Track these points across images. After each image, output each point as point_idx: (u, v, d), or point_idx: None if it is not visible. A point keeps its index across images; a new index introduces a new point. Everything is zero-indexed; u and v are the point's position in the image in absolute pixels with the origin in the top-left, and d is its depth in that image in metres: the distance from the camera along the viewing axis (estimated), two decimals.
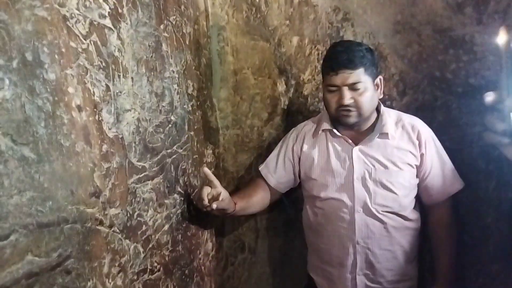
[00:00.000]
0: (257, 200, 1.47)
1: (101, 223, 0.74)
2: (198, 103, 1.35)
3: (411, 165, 1.30)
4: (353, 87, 1.21)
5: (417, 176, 1.32)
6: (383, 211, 1.30)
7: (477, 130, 1.39)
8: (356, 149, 1.31)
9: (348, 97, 1.21)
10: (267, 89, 1.63)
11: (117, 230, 0.79)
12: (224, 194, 1.20)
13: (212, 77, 1.55)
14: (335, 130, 1.34)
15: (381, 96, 1.30)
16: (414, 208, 1.36)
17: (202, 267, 1.36)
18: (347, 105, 1.22)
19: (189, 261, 1.22)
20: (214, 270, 1.52)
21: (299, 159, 1.43)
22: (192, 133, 1.29)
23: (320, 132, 1.38)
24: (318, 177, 1.37)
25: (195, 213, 1.31)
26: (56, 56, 0.66)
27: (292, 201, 1.77)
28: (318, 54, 1.54)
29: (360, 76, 1.20)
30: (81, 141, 0.71)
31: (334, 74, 1.21)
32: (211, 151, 1.51)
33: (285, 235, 1.83)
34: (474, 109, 1.39)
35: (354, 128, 1.31)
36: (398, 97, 1.52)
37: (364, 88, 1.22)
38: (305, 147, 1.41)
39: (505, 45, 0.67)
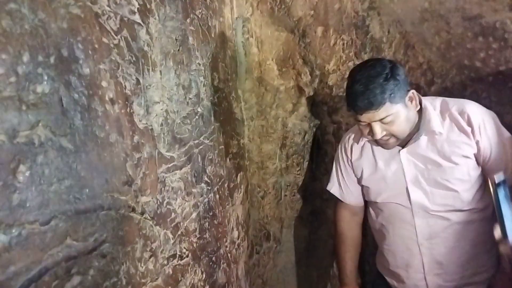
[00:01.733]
0: (358, 239, 1.52)
1: (133, 210, 0.77)
2: (223, 95, 1.38)
3: (467, 157, 1.20)
4: (382, 121, 1.15)
5: (478, 164, 1.22)
6: (445, 210, 1.24)
7: (508, 119, 1.34)
8: (403, 152, 1.25)
9: (379, 132, 1.16)
10: (291, 80, 1.64)
11: (148, 217, 0.83)
12: None
13: (237, 69, 1.57)
14: None
15: (418, 108, 1.21)
16: (483, 196, 1.26)
17: (229, 255, 1.40)
18: (379, 139, 1.17)
19: (216, 248, 1.26)
20: (240, 257, 1.56)
21: (352, 167, 1.41)
22: (218, 124, 1.32)
23: (364, 140, 1.34)
24: (370, 185, 1.35)
25: (222, 202, 1.35)
26: (90, 52, 0.69)
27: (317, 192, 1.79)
28: (343, 44, 1.53)
29: (387, 110, 1.12)
30: (114, 133, 0.74)
31: (359, 114, 1.15)
32: (236, 142, 1.54)
33: (310, 225, 1.85)
34: (504, 98, 1.35)
35: None
36: (426, 86, 1.49)
37: (395, 117, 1.14)
38: (354, 157, 1.38)
39: None
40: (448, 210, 1.23)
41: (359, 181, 1.41)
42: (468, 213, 1.23)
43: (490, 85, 1.39)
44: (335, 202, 1.57)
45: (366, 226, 1.62)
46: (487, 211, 1.28)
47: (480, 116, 1.20)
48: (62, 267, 0.59)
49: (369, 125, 1.16)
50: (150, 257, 0.83)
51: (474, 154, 1.21)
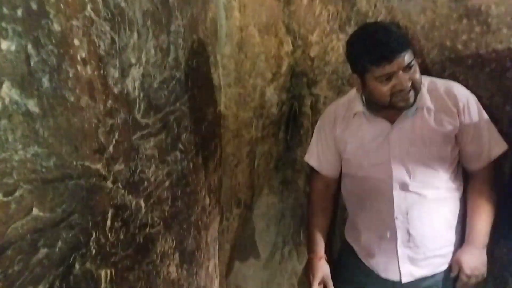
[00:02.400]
0: (330, 210, 1.56)
1: (105, 179, 0.74)
2: (202, 59, 1.32)
3: (450, 137, 1.25)
4: (408, 68, 1.15)
5: (457, 145, 1.27)
6: (423, 187, 1.28)
7: (482, 103, 1.37)
8: (392, 128, 1.27)
9: (406, 80, 1.14)
10: (272, 48, 1.59)
11: (120, 186, 0.80)
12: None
13: (217, 33, 1.50)
14: (369, 112, 1.29)
15: None
16: (457, 176, 1.32)
17: (199, 222, 1.40)
18: (404, 88, 1.16)
19: (187, 216, 1.25)
20: (210, 224, 1.56)
21: (335, 140, 1.41)
22: (195, 90, 1.27)
23: (353, 114, 1.33)
24: (352, 158, 1.36)
25: (195, 170, 1.32)
26: (62, 6, 0.62)
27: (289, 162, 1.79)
28: (329, 15, 1.49)
29: (411, 54, 1.14)
30: (85, 96, 0.69)
31: (387, 63, 1.13)
32: (212, 109, 1.50)
33: (280, 194, 1.87)
34: (481, 82, 1.37)
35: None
36: None
37: (416, 65, 1.16)
38: (338, 130, 1.37)
39: None
40: (426, 187, 1.27)
41: (340, 154, 1.41)
42: (444, 191, 1.29)
43: (468, 68, 1.40)
44: (310, 173, 1.59)
45: (336, 198, 1.66)
46: (459, 190, 1.34)
47: (465, 98, 1.24)
48: (27, 241, 0.56)
49: (394, 77, 1.14)
50: (121, 227, 0.81)
51: (456, 135, 1.25)
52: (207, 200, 1.50)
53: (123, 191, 0.81)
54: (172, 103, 1.07)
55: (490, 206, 1.33)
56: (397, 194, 1.30)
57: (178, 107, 1.12)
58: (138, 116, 0.87)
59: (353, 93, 1.37)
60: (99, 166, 0.72)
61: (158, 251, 1.00)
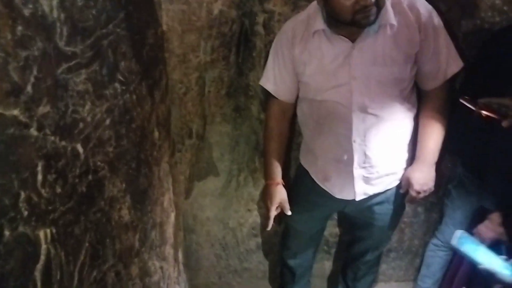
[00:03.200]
0: (287, 135, 1.53)
1: (26, 126, 0.60)
2: None
3: (411, 56, 1.21)
4: None
5: (415, 62, 1.24)
6: (381, 108, 1.25)
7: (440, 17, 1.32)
8: (353, 47, 1.19)
9: None
10: None
11: (49, 132, 0.66)
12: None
13: None
14: (330, 30, 1.19)
15: None
16: (411, 97, 1.32)
17: (150, 158, 1.29)
18: (368, 4, 1.06)
19: (136, 154, 1.14)
20: (161, 158, 1.47)
21: (294, 62, 1.31)
22: (130, 8, 1.08)
23: (312, 33, 1.22)
24: (311, 81, 1.28)
25: (139, 103, 1.18)
26: None
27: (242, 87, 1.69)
28: None
29: None
30: None
31: None
32: (153, 31, 1.31)
33: (233, 121, 1.79)
34: None
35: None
36: None
37: None
38: (296, 51, 1.27)
39: None
40: (384, 108, 1.25)
41: (299, 76, 1.33)
42: (400, 112, 1.29)
43: None
44: (265, 98, 1.51)
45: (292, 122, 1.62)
46: (413, 111, 1.34)
47: (428, 13, 1.20)
48: None
49: None
50: (57, 179, 0.69)
51: (416, 53, 1.22)
52: (156, 134, 1.39)
53: (53, 137, 0.68)
54: (103, 25, 0.89)
55: (441, 125, 1.36)
56: (356, 116, 1.27)
57: (112, 29, 0.94)
58: (61, 44, 0.71)
59: (312, 8, 1.25)
60: (16, 112, 0.57)
61: (105, 197, 0.90)
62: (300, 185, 1.61)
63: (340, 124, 1.31)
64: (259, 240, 2.02)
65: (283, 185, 1.52)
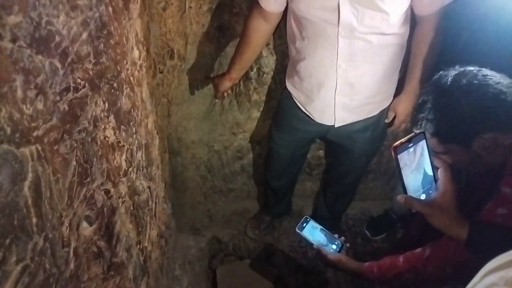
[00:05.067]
0: (262, 47, 1.53)
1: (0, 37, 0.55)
2: None
3: None
4: None
5: None
6: (370, 32, 1.20)
7: None
8: None
9: None
10: None
11: (24, 45, 0.61)
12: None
13: None
14: None
15: None
16: (404, 22, 1.26)
17: (131, 78, 1.24)
18: None
19: (117, 73, 1.09)
20: (143, 79, 1.42)
21: None
22: None
23: None
24: None
25: (116, 16, 1.10)
26: None
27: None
28: None
29: None
30: None
31: None
32: None
33: (217, 41, 1.72)
34: None
35: None
36: None
37: None
38: None
39: None
40: (373, 32, 1.21)
41: None
42: (389, 37, 1.24)
43: None
44: (249, 7, 1.44)
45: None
46: (404, 37, 1.30)
47: None
48: None
49: None
50: (37, 95, 0.65)
51: None
52: (136, 53, 1.31)
53: (29, 51, 0.63)
54: None
55: (432, 54, 1.33)
56: (343, 40, 1.23)
57: None
58: None
59: None
60: None
61: (89, 116, 0.88)
62: (284, 109, 1.61)
63: (325, 46, 1.27)
64: (244, 162, 2.07)
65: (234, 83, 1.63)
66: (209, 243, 1.98)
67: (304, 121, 1.54)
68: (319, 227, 1.24)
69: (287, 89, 1.55)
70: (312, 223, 1.25)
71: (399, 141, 0.81)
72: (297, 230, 1.23)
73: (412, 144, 0.83)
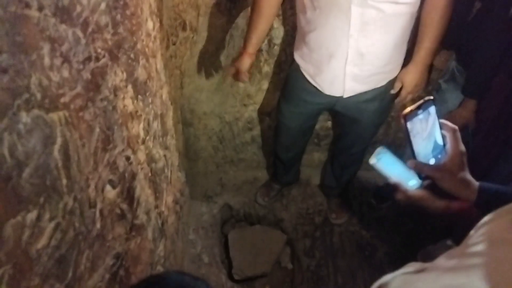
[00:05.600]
0: (274, 16, 1.53)
1: (27, 6, 0.58)
2: None
3: None
4: None
5: None
6: (383, 1, 1.20)
7: None
8: None
9: None
10: None
11: (49, 14, 0.64)
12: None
13: None
14: None
15: None
16: None
17: (146, 49, 1.26)
18: None
19: (133, 44, 1.11)
20: (157, 50, 1.44)
21: None
22: None
23: None
24: None
25: None
26: None
27: None
28: None
29: None
30: None
31: None
32: None
33: (228, 13, 1.72)
34: None
35: None
36: None
37: None
38: None
39: None
40: (385, 1, 1.21)
41: None
42: (402, 6, 1.24)
43: None
44: None
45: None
46: (416, 6, 1.29)
47: None
48: None
49: None
50: (63, 63, 0.69)
51: None
52: (150, 24, 1.33)
53: (54, 19, 0.66)
54: None
55: (441, 25, 1.32)
56: (356, 8, 1.23)
57: None
58: None
59: None
60: None
61: (109, 85, 0.91)
62: (292, 82, 1.62)
63: (338, 16, 1.27)
64: (254, 133, 2.11)
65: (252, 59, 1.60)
66: (221, 210, 2.05)
67: (312, 93, 1.55)
68: (396, 159, 1.05)
69: (295, 61, 1.56)
70: (388, 154, 1.05)
71: (409, 108, 0.83)
72: (370, 162, 1.06)
73: (421, 110, 0.84)
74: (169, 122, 1.58)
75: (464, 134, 1.58)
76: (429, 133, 0.89)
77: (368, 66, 1.38)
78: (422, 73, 1.39)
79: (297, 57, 1.55)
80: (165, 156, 1.43)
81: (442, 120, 0.87)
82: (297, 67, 1.55)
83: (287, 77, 1.69)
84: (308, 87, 1.54)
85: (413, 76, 1.40)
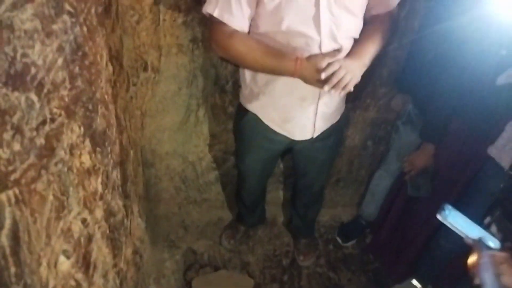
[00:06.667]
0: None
1: None
2: None
3: None
4: None
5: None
6: (347, 38, 1.23)
7: None
8: None
9: None
10: None
11: (0, 84, 0.58)
12: None
13: None
14: None
15: None
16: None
17: (106, 96, 1.20)
18: None
19: (92, 94, 1.05)
20: (117, 94, 1.37)
21: None
22: None
23: None
24: (276, 9, 1.15)
25: (91, 36, 1.06)
26: None
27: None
28: None
29: None
30: None
31: None
32: None
33: (191, 53, 1.69)
34: None
35: None
36: None
37: None
38: None
39: None
40: (349, 37, 1.24)
41: (258, 3, 1.18)
42: (354, 42, 1.28)
43: None
44: (211, 25, 1.24)
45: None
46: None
47: None
48: None
49: None
50: (14, 135, 0.62)
51: None
52: (110, 69, 1.27)
53: (4, 89, 0.59)
54: None
55: (380, 39, 1.31)
56: (326, 49, 1.22)
57: None
58: None
59: None
60: None
61: (65, 145, 0.84)
62: (249, 133, 1.55)
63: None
64: (219, 172, 2.06)
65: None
66: (184, 255, 1.96)
67: (275, 140, 1.51)
68: (464, 217, 1.03)
69: (250, 112, 1.47)
70: (454, 211, 1.04)
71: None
72: (438, 217, 1.03)
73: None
74: (129, 168, 1.50)
75: (423, 177, 1.63)
76: None
77: (334, 101, 1.39)
78: (359, 66, 1.25)
79: (253, 108, 1.45)
80: (124, 206, 1.35)
81: None
82: (253, 118, 1.47)
83: (241, 130, 1.56)
84: (271, 136, 1.48)
85: (351, 62, 1.23)
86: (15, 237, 0.61)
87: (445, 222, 1.03)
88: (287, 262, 2.01)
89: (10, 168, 0.60)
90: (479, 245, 0.96)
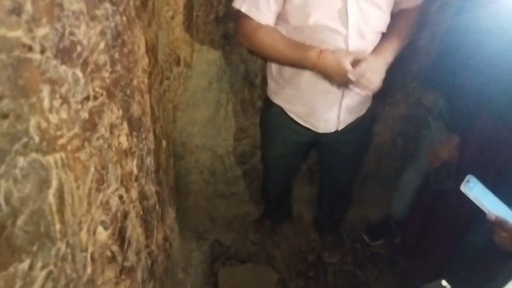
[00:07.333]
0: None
1: (30, 49, 0.57)
2: None
3: None
4: None
5: None
6: (374, 32, 1.24)
7: None
8: None
9: None
10: None
11: (51, 55, 0.64)
12: None
13: None
14: None
15: None
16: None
17: (142, 85, 1.26)
18: None
19: (129, 81, 1.11)
20: (152, 86, 1.44)
21: None
22: None
23: None
24: (304, 4, 1.18)
25: (130, 26, 1.12)
26: None
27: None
28: None
29: None
30: None
31: None
32: None
33: (222, 49, 1.74)
34: None
35: None
36: None
37: None
38: None
39: None
40: (376, 32, 1.25)
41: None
42: (382, 35, 1.29)
43: None
44: (237, 19, 1.29)
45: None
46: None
47: None
48: None
49: None
50: (62, 104, 0.67)
51: None
52: (146, 60, 1.34)
53: (54, 61, 0.65)
54: None
55: (407, 35, 1.32)
56: (353, 45, 1.24)
57: None
58: None
59: None
60: (19, 32, 0.54)
61: (106, 123, 0.90)
62: (275, 125, 1.57)
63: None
64: (247, 166, 2.09)
65: None
66: (211, 246, 2.00)
67: (300, 133, 1.52)
68: (488, 192, 0.99)
69: (275, 104, 1.50)
70: (479, 184, 1.00)
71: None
72: (462, 189, 1.00)
73: None
74: (162, 157, 1.56)
75: (446, 170, 1.59)
76: None
77: (359, 95, 1.39)
78: (382, 65, 1.26)
79: (279, 101, 1.49)
80: (156, 192, 1.40)
81: None
82: (279, 110, 1.50)
83: (267, 121, 1.60)
84: (296, 128, 1.50)
85: (374, 60, 1.25)
86: (60, 197, 0.66)
87: (468, 195, 1.00)
88: (313, 258, 2.01)
89: (58, 133, 0.66)
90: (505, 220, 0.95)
